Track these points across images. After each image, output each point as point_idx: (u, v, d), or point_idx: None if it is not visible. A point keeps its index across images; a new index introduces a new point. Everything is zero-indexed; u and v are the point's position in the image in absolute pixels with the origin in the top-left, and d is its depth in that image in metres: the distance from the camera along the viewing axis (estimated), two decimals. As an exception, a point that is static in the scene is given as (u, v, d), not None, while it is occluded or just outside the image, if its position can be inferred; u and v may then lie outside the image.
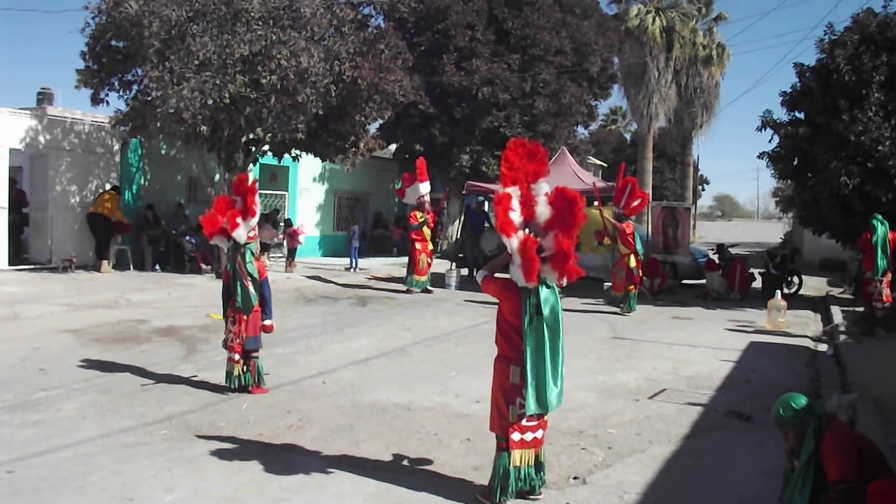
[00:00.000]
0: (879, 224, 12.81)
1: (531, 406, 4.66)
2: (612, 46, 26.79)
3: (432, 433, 6.57)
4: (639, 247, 14.83)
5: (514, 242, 4.64)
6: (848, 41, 15.81)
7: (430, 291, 16.74)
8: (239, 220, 7.66)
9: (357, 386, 8.19)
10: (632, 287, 14.57)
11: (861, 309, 13.75)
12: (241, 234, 7.69)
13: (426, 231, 16.76)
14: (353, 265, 20.86)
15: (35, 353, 9.53)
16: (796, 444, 4.28)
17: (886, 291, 12.77)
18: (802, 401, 4.27)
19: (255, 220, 7.89)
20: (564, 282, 4.68)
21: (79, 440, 6.17)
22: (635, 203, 14.61)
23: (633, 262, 14.60)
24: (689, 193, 42.59)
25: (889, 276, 12.81)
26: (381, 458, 5.94)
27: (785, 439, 4.37)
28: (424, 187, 16.70)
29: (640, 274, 15.09)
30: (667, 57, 35.29)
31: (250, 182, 7.89)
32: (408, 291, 16.67)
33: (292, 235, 20.20)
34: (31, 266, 17.45)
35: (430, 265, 16.96)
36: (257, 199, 7.89)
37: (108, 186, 18.65)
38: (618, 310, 14.60)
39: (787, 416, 4.25)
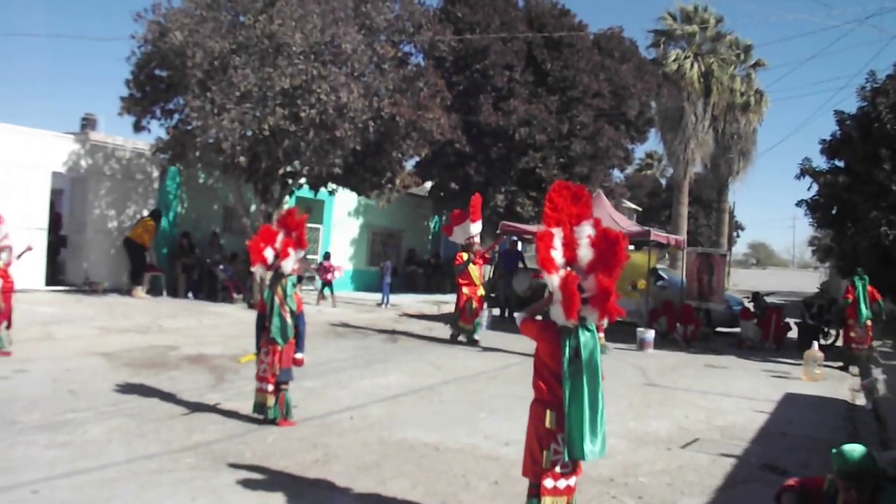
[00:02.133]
0: (859, 280, 14.31)
1: (567, 452, 4.55)
2: (650, 90, 26.80)
3: (460, 475, 6.45)
4: None
5: (554, 280, 4.57)
6: (890, 89, 15.71)
7: (475, 342, 14.86)
8: (290, 249, 7.69)
9: (385, 423, 8.09)
10: None
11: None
12: (289, 264, 7.72)
13: (473, 273, 14.98)
14: (385, 301, 20.83)
15: (66, 374, 9.58)
16: (855, 500, 4.06)
17: (869, 335, 14.34)
18: (867, 454, 4.06)
19: (304, 252, 7.93)
20: (605, 322, 4.59)
21: (104, 464, 6.13)
22: None
23: None
24: (724, 240, 42.22)
25: (870, 322, 14.29)
26: (408, 497, 5.83)
27: (842, 487, 4.10)
28: (476, 227, 15.03)
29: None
30: (704, 102, 35.16)
31: (299, 216, 7.91)
32: (453, 339, 15.16)
33: (328, 269, 20.20)
34: (66, 287, 17.63)
35: (478, 312, 15.14)
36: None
37: (145, 212, 18.86)
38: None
39: (852, 469, 4.03)
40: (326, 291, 19.94)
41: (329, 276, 20.09)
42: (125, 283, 18.23)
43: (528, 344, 4.85)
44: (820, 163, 17.44)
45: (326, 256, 20.96)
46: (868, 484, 4.01)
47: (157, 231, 18.66)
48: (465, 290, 15.04)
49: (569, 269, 4.65)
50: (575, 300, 4.39)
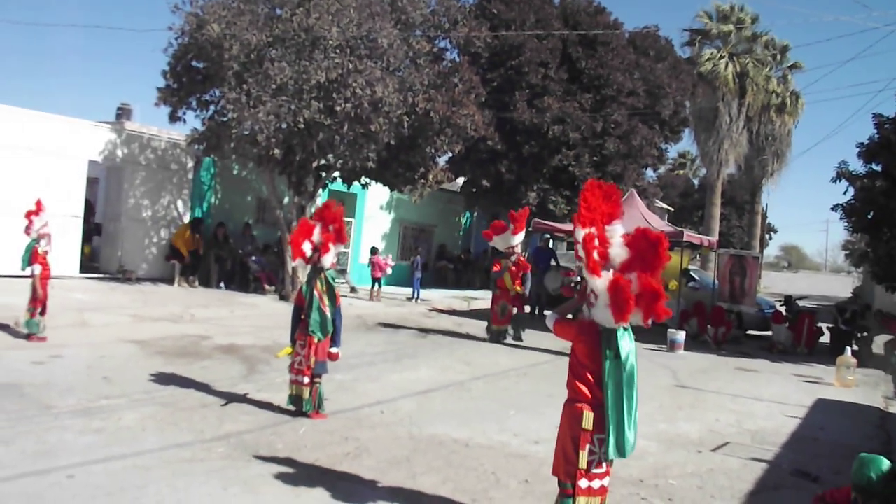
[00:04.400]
0: None
1: (611, 451, 4.52)
2: (684, 90, 26.59)
3: (490, 472, 6.45)
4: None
5: (600, 282, 4.53)
6: (932, 94, 15.42)
7: (519, 338, 15.16)
8: (331, 244, 7.72)
9: (415, 418, 8.12)
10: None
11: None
12: (328, 258, 7.76)
13: (507, 280, 14.90)
14: (416, 296, 20.88)
15: (100, 360, 9.70)
16: None
17: None
18: (888, 471, 3.92)
19: (343, 247, 7.94)
20: (651, 322, 4.51)
21: (137, 451, 6.21)
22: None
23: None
24: (757, 242, 41.76)
25: None
26: (439, 493, 5.84)
27: (860, 499, 4.01)
28: (518, 238, 14.85)
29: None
30: (739, 103, 34.75)
31: (335, 209, 7.91)
32: (494, 340, 15.14)
33: (380, 266, 20.28)
34: (100, 275, 17.84)
35: (511, 313, 15.14)
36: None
37: (186, 217, 19.21)
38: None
39: (862, 482, 3.93)
40: (374, 286, 20.27)
41: (381, 273, 20.18)
42: (158, 271, 18.44)
43: (556, 341, 4.82)
44: (857, 166, 17.20)
45: (374, 251, 21.04)
46: (877, 500, 3.90)
47: (193, 236, 18.66)
48: (498, 293, 15.13)
49: (611, 270, 4.60)
50: (630, 304, 4.34)
